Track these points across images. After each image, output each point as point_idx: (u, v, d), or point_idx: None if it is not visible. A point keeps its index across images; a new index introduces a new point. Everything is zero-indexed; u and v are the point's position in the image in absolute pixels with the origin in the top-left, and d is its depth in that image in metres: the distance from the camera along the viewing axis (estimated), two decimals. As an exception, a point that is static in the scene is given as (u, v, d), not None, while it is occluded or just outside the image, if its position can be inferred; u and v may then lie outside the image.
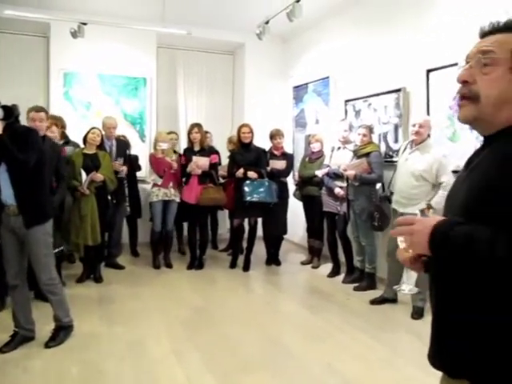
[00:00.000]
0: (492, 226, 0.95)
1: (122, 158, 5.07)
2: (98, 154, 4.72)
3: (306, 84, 6.45)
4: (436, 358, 1.16)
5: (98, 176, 4.59)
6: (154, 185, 5.33)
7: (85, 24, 5.23)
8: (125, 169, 5.08)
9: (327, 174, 4.89)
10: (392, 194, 4.16)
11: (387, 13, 4.87)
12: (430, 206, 1.24)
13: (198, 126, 5.36)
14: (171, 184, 5.31)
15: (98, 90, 6.31)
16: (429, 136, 3.95)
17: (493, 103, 1.07)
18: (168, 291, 4.64)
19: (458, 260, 0.99)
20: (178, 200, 5.34)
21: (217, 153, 5.68)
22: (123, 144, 5.34)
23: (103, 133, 4.90)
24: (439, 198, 3.59)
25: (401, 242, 1.17)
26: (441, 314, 1.15)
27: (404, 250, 1.17)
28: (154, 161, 5.29)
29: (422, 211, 1.22)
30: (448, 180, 3.65)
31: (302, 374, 2.96)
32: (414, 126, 3.90)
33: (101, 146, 4.82)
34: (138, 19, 5.92)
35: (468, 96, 1.10)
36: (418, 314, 3.88)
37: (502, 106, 1.07)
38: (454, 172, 3.72)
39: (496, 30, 1.11)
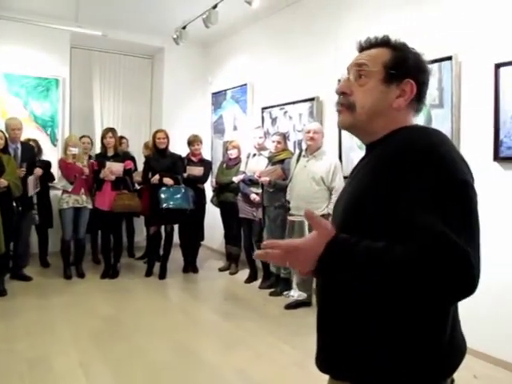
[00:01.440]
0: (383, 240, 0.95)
1: (25, 163, 4.74)
2: (1, 158, 4.42)
3: (225, 91, 6.48)
4: (322, 360, 1.18)
5: (1, 181, 4.29)
6: (64, 191, 5.08)
7: (-13, 18, 4.90)
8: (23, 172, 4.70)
9: (243, 181, 4.92)
10: (289, 202, 4.30)
11: (302, 24, 5.01)
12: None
13: (112, 130, 5.20)
14: (83, 190, 5.09)
15: (4, 91, 5.93)
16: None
17: (366, 112, 1.13)
18: (78, 302, 4.43)
19: (361, 273, 0.96)
20: (90, 207, 5.13)
21: (132, 158, 5.54)
22: (29, 148, 5.03)
23: (7, 135, 4.60)
24: (332, 205, 3.76)
25: None
26: (323, 317, 1.18)
27: None
28: (64, 166, 5.04)
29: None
30: (338, 185, 3.90)
31: (214, 383, 2.94)
32: (308, 132, 4.09)
33: (4, 150, 4.51)
34: (49, 17, 5.66)
35: (346, 105, 1.15)
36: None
37: (376, 115, 1.13)
38: (346, 178, 3.95)
39: (371, 45, 1.18)
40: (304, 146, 4.83)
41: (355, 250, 0.95)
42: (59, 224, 5.24)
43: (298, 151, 4.59)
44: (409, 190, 0.95)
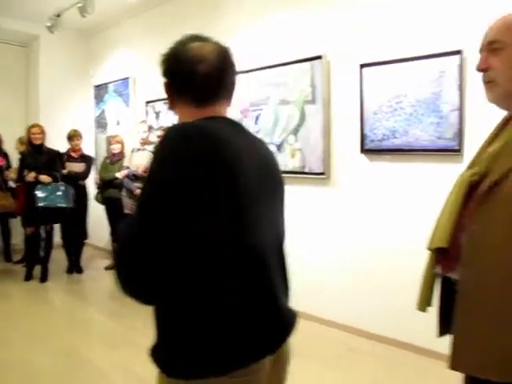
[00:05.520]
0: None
1: None
2: None
3: (107, 84, 6.26)
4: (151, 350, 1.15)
5: None
6: None
7: None
8: None
9: (127, 176, 4.82)
10: None
11: (178, 22, 4.95)
12: None
13: (-21, 125, 4.80)
14: None
15: None
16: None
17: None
18: None
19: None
20: None
21: (4, 155, 5.17)
22: None
23: None
24: None
25: None
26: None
27: None
28: None
29: None
30: None
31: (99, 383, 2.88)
32: None
33: None
34: None
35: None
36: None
37: None
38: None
39: None
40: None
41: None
42: None
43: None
44: None
